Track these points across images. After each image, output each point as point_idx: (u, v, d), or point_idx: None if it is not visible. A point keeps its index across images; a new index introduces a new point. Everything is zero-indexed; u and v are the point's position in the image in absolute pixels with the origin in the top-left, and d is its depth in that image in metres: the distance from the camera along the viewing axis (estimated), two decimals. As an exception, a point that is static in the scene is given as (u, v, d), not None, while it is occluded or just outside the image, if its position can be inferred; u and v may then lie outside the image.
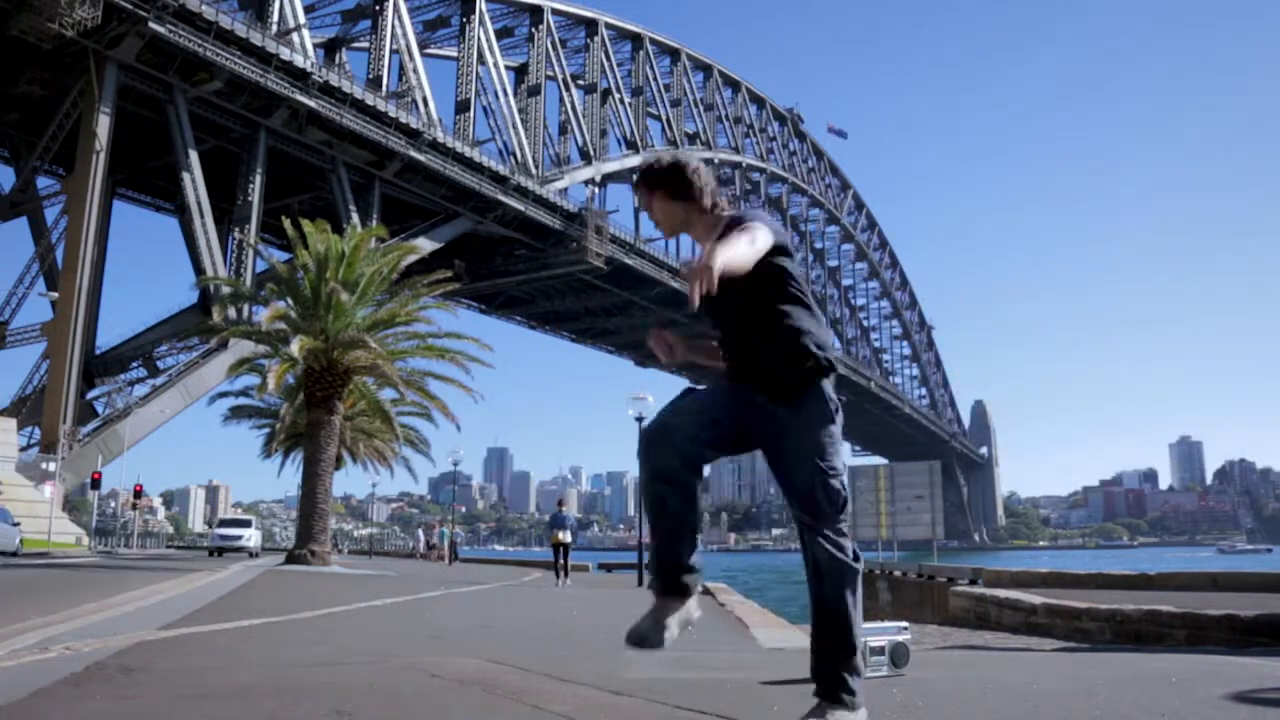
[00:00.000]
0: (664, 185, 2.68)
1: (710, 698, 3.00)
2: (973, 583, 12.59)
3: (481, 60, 58.65)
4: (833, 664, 2.52)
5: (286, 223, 19.68)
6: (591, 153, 66.88)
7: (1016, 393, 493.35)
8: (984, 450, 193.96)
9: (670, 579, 2.47)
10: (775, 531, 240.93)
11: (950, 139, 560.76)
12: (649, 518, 2.51)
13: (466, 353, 19.66)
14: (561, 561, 16.19)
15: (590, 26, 69.37)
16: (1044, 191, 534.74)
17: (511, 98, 60.41)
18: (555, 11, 65.41)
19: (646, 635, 2.42)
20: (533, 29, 63.95)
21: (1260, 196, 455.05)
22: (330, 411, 19.25)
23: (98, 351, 44.07)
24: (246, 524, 34.46)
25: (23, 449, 37.82)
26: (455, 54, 59.37)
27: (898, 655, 3.43)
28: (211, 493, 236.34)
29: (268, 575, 13.39)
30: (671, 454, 2.47)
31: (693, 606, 2.50)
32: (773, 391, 2.52)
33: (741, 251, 2.33)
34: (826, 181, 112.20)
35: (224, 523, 36.26)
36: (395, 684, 3.32)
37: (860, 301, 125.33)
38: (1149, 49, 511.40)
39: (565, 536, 16.51)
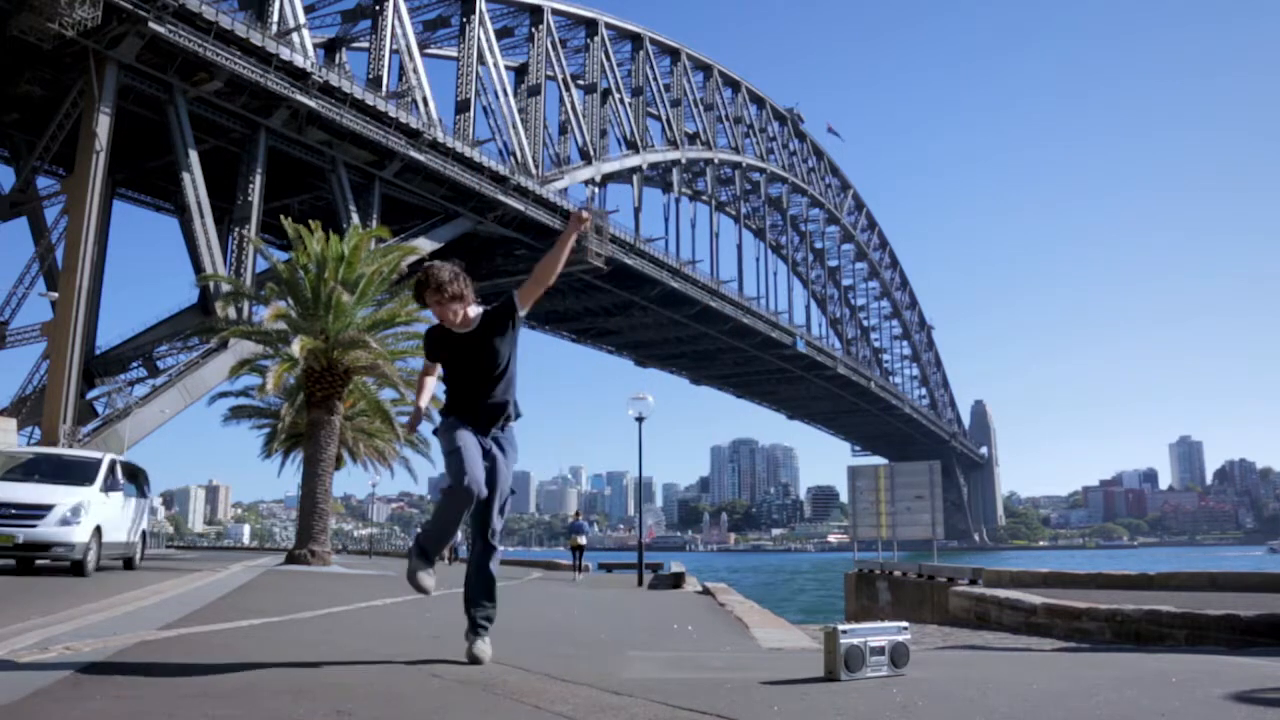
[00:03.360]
0: (462, 292, 3.95)
1: (710, 698, 3.00)
2: (973, 583, 12.59)
3: (481, 60, 58.68)
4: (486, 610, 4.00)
5: (287, 223, 19.68)
6: (591, 153, 66.91)
7: (1016, 393, 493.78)
8: (984, 450, 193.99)
9: (434, 555, 3.96)
10: (775, 531, 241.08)
11: (950, 139, 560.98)
12: (447, 524, 3.88)
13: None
14: (577, 560, 21.08)
15: (590, 26, 69.42)
16: (1044, 191, 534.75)
17: (511, 98, 60.43)
18: (555, 11, 65.44)
19: (421, 581, 3.94)
20: (533, 29, 63.99)
21: (1260, 196, 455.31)
22: (330, 411, 19.25)
23: (98, 351, 44.06)
24: (76, 473, 12.28)
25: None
26: (455, 54, 59.39)
27: (898, 655, 3.43)
28: (211, 493, 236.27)
29: (268, 575, 13.39)
30: (477, 497, 3.78)
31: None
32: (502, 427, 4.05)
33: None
34: (826, 181, 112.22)
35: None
36: (395, 684, 3.32)
37: (860, 301, 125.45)
38: (1149, 49, 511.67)
39: (582, 540, 21.45)
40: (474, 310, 4.02)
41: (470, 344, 3.96)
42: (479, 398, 3.95)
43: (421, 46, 56.26)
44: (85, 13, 35.94)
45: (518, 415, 4.12)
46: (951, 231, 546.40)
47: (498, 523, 3.99)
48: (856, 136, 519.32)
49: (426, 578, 3.94)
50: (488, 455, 3.91)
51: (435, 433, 4.01)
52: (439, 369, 4.18)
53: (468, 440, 3.82)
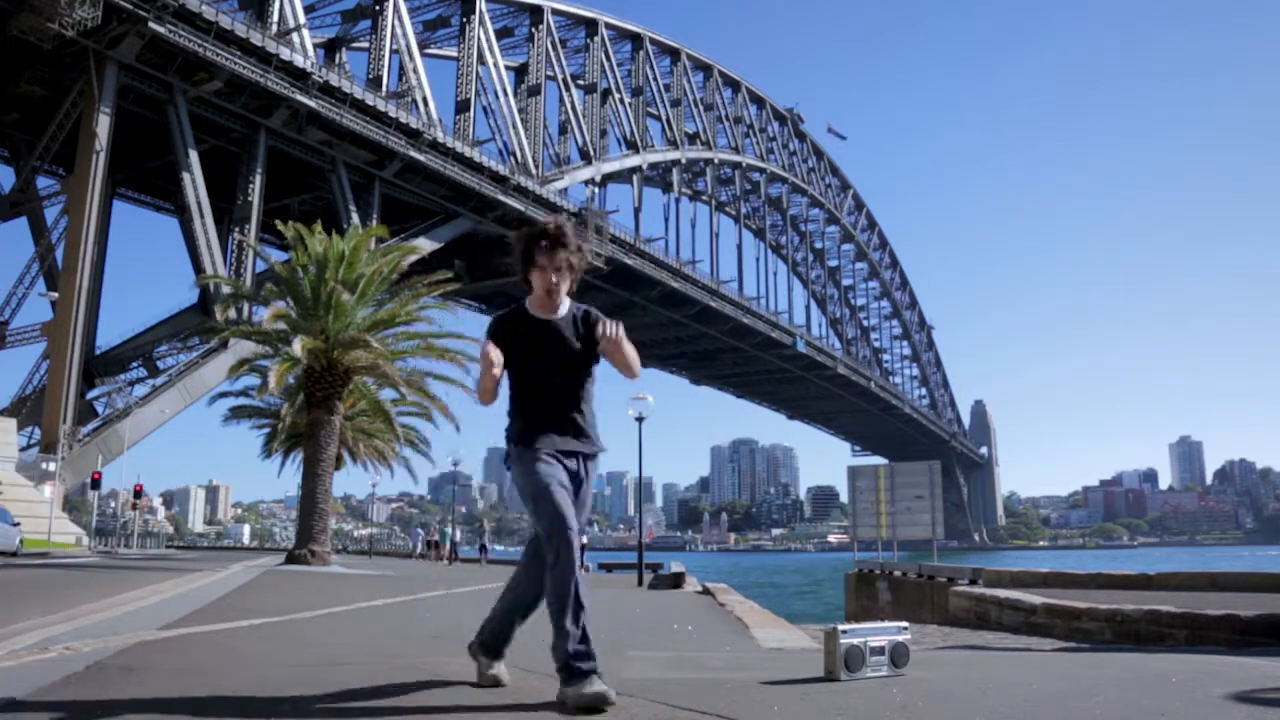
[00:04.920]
0: (575, 266, 3.13)
1: (710, 698, 3.00)
2: (973, 583, 12.60)
3: (481, 60, 58.69)
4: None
5: (285, 225, 19.64)
6: (591, 153, 66.93)
7: (1016, 393, 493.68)
8: (984, 450, 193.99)
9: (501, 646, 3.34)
10: (775, 531, 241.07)
11: (950, 139, 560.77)
12: (560, 593, 3.20)
13: (466, 353, 19.66)
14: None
15: (590, 26, 69.45)
16: (1044, 191, 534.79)
17: (511, 98, 60.45)
18: (555, 11, 65.47)
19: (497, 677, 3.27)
20: (533, 29, 64.02)
21: (1260, 196, 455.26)
22: (330, 411, 19.23)
23: (98, 351, 44.09)
24: None
25: (23, 449, 37.83)
26: (455, 54, 59.42)
27: (898, 655, 3.43)
28: (211, 493, 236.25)
29: (268, 575, 13.39)
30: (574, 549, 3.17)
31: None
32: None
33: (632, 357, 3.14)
34: (826, 181, 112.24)
35: None
36: (395, 684, 3.32)
37: (860, 301, 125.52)
38: (1149, 49, 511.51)
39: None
40: (566, 302, 3.17)
41: (558, 333, 3.11)
42: (562, 399, 3.14)
43: (421, 46, 56.28)
44: (85, 13, 35.95)
45: (601, 449, 3.32)
46: (951, 231, 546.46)
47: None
48: (857, 136, 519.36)
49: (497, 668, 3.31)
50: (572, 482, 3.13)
51: (506, 463, 3.21)
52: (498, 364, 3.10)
53: (553, 475, 3.04)
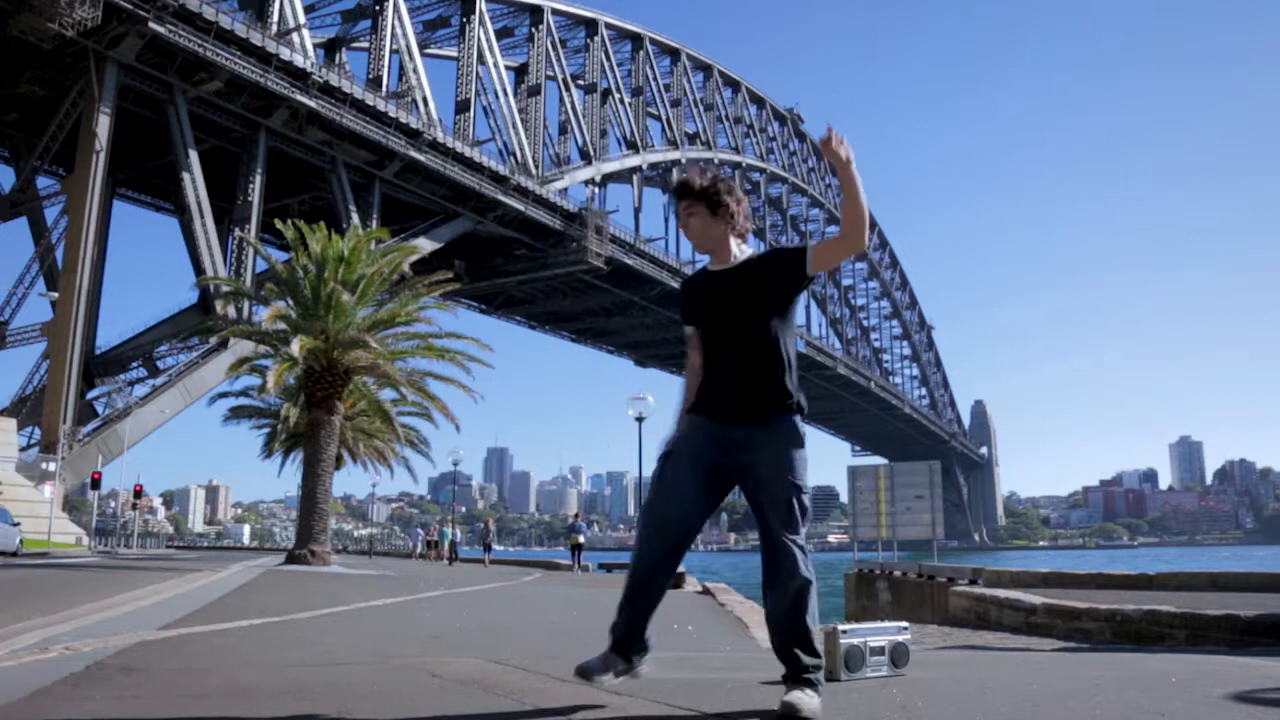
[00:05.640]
0: (702, 201, 2.88)
1: (710, 698, 3.00)
2: (973, 583, 12.58)
3: (481, 60, 58.70)
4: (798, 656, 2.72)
5: (285, 225, 19.63)
6: (591, 153, 66.92)
7: (1016, 393, 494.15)
8: (984, 450, 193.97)
9: (629, 640, 2.93)
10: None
11: (949, 139, 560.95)
12: (630, 580, 3.00)
13: (466, 353, 19.66)
14: (576, 558, 24.05)
15: (590, 26, 69.43)
16: (1044, 191, 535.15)
17: (511, 98, 60.46)
18: (555, 11, 65.46)
19: (591, 677, 2.83)
20: (533, 29, 64.02)
21: (1260, 196, 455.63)
22: (330, 411, 19.22)
23: (98, 351, 44.10)
24: None
25: (23, 449, 37.84)
26: (455, 54, 59.43)
27: (898, 655, 3.42)
28: (211, 493, 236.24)
29: (268, 575, 13.38)
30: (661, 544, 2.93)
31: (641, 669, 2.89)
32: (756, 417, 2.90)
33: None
34: (826, 181, 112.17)
35: None
36: (395, 684, 3.32)
37: (860, 301, 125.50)
38: (1148, 49, 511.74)
39: (580, 539, 24.67)
40: (743, 248, 2.92)
41: (724, 287, 2.84)
42: (725, 366, 2.86)
43: (421, 46, 56.28)
44: (85, 13, 35.96)
45: (799, 408, 3.02)
46: (951, 231, 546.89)
47: (789, 531, 2.97)
48: (856, 136, 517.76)
49: (602, 676, 2.83)
50: (724, 470, 2.96)
51: None
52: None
53: (675, 460, 2.91)
